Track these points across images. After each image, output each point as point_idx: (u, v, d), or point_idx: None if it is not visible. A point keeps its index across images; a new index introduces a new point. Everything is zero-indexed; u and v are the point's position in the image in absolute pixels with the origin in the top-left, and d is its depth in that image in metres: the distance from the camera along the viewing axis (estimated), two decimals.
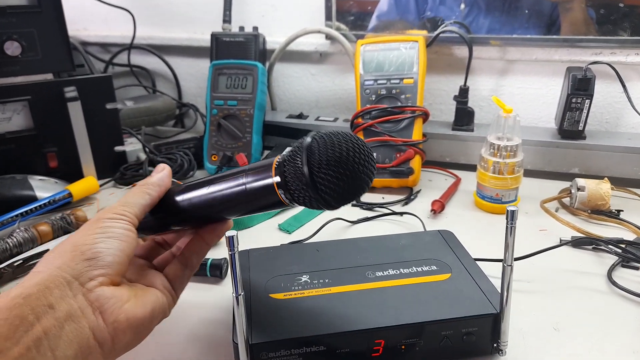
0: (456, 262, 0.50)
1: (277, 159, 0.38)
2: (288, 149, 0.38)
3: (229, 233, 0.36)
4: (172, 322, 0.50)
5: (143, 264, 0.43)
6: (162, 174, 0.43)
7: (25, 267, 0.58)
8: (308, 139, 0.37)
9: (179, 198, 0.42)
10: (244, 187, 0.39)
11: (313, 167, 0.36)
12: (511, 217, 0.39)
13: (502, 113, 0.68)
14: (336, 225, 0.68)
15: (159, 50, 1.07)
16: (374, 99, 0.80)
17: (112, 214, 0.38)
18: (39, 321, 0.30)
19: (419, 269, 0.49)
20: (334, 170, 0.36)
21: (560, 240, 0.62)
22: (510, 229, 0.39)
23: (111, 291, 0.34)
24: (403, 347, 0.43)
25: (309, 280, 0.48)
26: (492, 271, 0.50)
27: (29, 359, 0.29)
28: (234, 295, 0.37)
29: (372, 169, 0.37)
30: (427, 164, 0.84)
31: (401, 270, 0.49)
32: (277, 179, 0.37)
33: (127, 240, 0.37)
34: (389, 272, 0.49)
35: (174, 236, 0.47)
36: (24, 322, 0.29)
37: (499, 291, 0.45)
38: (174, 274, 0.42)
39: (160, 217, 0.44)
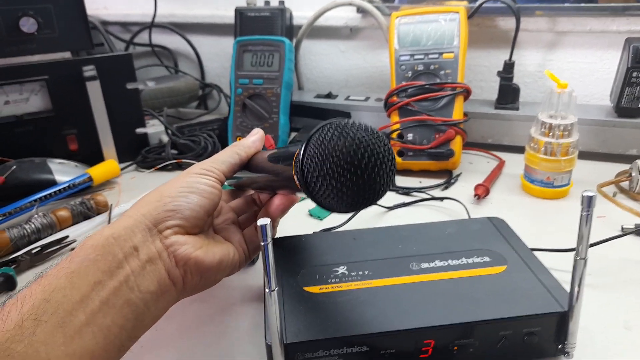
0: (511, 253, 0.45)
1: (301, 147, 0.34)
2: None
3: (261, 221, 0.31)
4: (197, 316, 0.46)
5: (231, 218, 0.46)
6: (254, 137, 0.46)
7: (43, 254, 0.55)
8: (314, 130, 0.33)
9: (258, 164, 0.44)
10: (279, 167, 0.39)
11: (306, 166, 0.33)
12: (588, 203, 0.33)
13: (555, 88, 0.62)
14: (371, 211, 0.63)
15: (181, 28, 1.03)
16: (410, 75, 0.74)
17: (200, 169, 0.41)
18: (127, 261, 0.34)
19: (470, 261, 0.44)
20: (331, 174, 0.31)
21: (622, 228, 0.56)
22: (586, 218, 0.34)
23: (185, 239, 0.37)
24: (455, 348, 0.38)
25: (347, 272, 0.43)
26: (548, 263, 0.44)
27: (121, 291, 0.33)
28: (266, 290, 0.33)
29: (386, 175, 0.32)
30: (467, 145, 0.78)
31: (449, 261, 0.44)
32: (295, 167, 0.35)
33: (209, 196, 0.39)
34: (435, 264, 0.44)
35: (266, 195, 0.48)
36: (115, 259, 0.34)
37: (562, 286, 0.40)
38: (250, 237, 0.44)
39: (246, 177, 0.46)
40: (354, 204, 0.33)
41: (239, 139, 0.78)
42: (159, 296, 0.36)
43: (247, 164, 0.45)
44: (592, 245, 0.51)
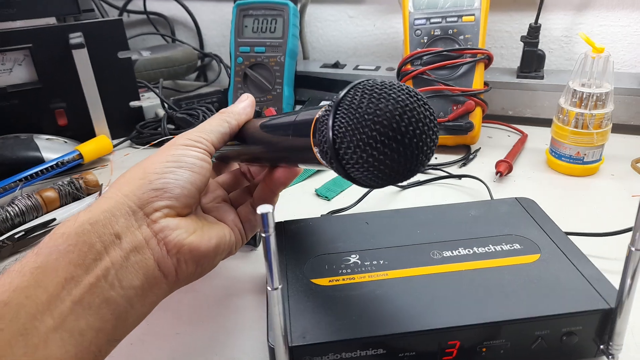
0: (544, 239, 0.40)
1: (319, 112, 0.30)
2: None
3: (262, 209, 0.26)
4: (194, 307, 0.42)
5: (221, 195, 0.41)
6: (244, 103, 0.41)
7: (28, 239, 0.51)
8: (342, 92, 0.27)
9: (253, 133, 0.39)
10: (288, 136, 0.34)
11: (338, 135, 0.27)
12: None
13: (590, 52, 0.55)
14: (382, 190, 0.58)
15: None
16: (425, 41, 0.67)
17: (187, 140, 0.36)
18: (106, 251, 0.29)
19: (498, 248, 0.39)
20: (364, 138, 0.26)
21: None
22: None
23: (176, 222, 0.33)
24: (484, 349, 0.34)
25: (360, 262, 0.38)
26: (583, 249, 0.39)
27: (99, 288, 0.28)
28: (269, 288, 0.28)
29: (431, 144, 0.27)
30: (486, 118, 0.72)
31: (475, 249, 0.39)
32: (314, 137, 0.30)
33: (200, 171, 0.35)
34: (459, 252, 0.39)
35: (258, 168, 0.44)
36: (92, 250, 0.29)
37: (607, 279, 0.35)
38: (245, 216, 0.40)
39: (236, 149, 0.41)
40: (394, 178, 0.28)
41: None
42: (145, 291, 0.31)
43: (237, 134, 0.40)
44: (626, 230, 0.46)
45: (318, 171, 0.63)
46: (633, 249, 0.30)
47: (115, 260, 0.29)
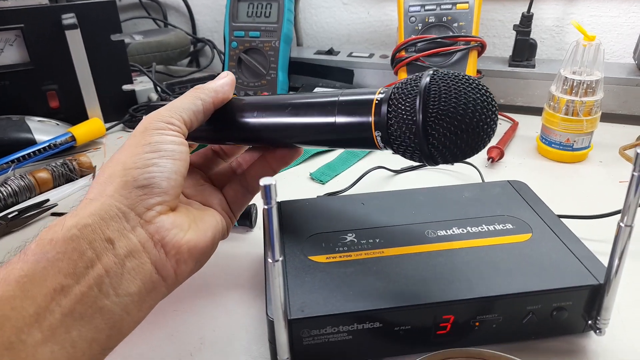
0: (536, 220, 0.41)
1: (377, 95, 0.33)
2: (392, 86, 0.32)
3: (264, 181, 0.26)
4: (191, 287, 0.42)
5: (199, 177, 0.39)
6: (222, 81, 0.37)
7: (21, 219, 0.51)
8: (426, 79, 0.30)
9: (245, 113, 0.37)
10: (332, 120, 0.34)
11: (429, 116, 0.30)
12: None
13: (581, 40, 0.56)
14: (377, 175, 0.59)
15: None
16: (420, 28, 0.68)
17: (159, 122, 0.33)
18: (99, 259, 0.27)
19: (491, 228, 0.40)
20: (454, 125, 0.29)
21: None
22: (637, 180, 0.29)
23: (171, 220, 0.31)
24: (477, 324, 0.35)
25: (356, 240, 0.39)
26: (573, 231, 0.40)
27: (91, 298, 0.26)
28: (270, 261, 0.28)
29: (495, 127, 0.31)
30: None
31: (469, 228, 0.40)
32: (376, 118, 0.32)
33: (180, 157, 0.32)
34: (454, 231, 0.40)
35: (233, 147, 0.43)
36: (83, 258, 0.27)
37: (596, 257, 0.36)
38: (234, 196, 0.38)
39: (218, 130, 0.39)
40: (467, 155, 0.32)
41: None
42: (143, 297, 0.29)
43: (215, 114, 0.37)
44: (614, 213, 0.47)
45: (312, 155, 0.63)
46: (622, 224, 0.31)
47: (109, 267, 0.27)
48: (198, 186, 0.37)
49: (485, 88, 0.31)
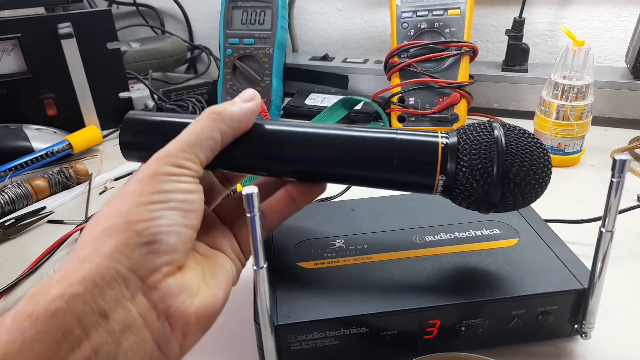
0: (523, 225, 0.41)
1: (440, 138, 0.32)
2: (455, 131, 0.33)
3: (247, 190, 0.27)
4: None
5: (209, 213, 0.34)
6: (247, 108, 0.31)
7: (17, 227, 0.51)
8: (500, 132, 0.32)
9: (276, 143, 0.33)
10: (391, 161, 0.32)
11: (507, 170, 0.31)
12: (620, 168, 0.29)
13: (571, 45, 0.57)
14: None
15: None
16: (412, 34, 0.68)
17: (171, 167, 0.27)
18: (87, 337, 0.22)
19: (479, 233, 0.40)
20: (527, 180, 0.31)
21: (639, 197, 0.52)
22: (617, 185, 0.30)
23: (178, 283, 0.26)
24: (463, 328, 0.35)
25: (344, 246, 0.39)
26: (562, 235, 0.40)
27: None
28: (254, 267, 0.29)
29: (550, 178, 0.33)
30: (471, 111, 0.73)
31: (456, 234, 0.40)
32: (443, 165, 0.32)
33: (194, 207, 0.27)
34: (441, 237, 0.40)
35: (236, 174, 0.37)
36: (68, 338, 0.22)
37: (581, 261, 0.37)
38: (248, 235, 0.31)
39: (234, 158, 0.33)
40: (525, 205, 0.34)
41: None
42: None
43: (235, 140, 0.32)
44: (599, 218, 0.47)
45: None
46: (603, 230, 0.31)
47: (100, 347, 0.22)
48: (205, 224, 0.30)
49: (542, 143, 0.33)
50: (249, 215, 0.27)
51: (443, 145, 0.32)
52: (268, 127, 0.33)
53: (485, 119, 0.33)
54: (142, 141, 0.34)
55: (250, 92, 0.32)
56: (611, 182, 0.30)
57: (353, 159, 0.33)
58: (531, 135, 0.32)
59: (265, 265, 0.29)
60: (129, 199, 0.26)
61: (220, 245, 0.31)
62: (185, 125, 0.31)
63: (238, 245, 0.33)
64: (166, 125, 0.34)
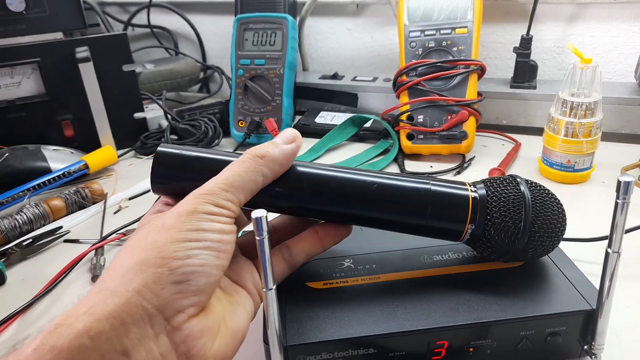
0: None
1: (470, 192, 0.35)
2: (483, 184, 0.36)
3: (256, 213, 0.28)
4: None
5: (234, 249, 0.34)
6: (290, 149, 0.31)
7: (35, 246, 0.53)
8: (526, 189, 0.35)
9: (311, 186, 0.33)
10: (425, 211, 0.35)
11: (535, 225, 0.34)
12: (625, 189, 0.29)
13: (578, 63, 0.57)
14: None
15: (181, 8, 0.99)
16: (420, 52, 0.69)
17: (211, 206, 0.27)
18: None
19: None
20: (549, 233, 0.35)
21: None
22: (622, 206, 0.30)
23: (201, 326, 0.26)
24: (471, 349, 0.35)
25: (353, 266, 0.40)
26: (571, 254, 0.40)
27: None
28: (264, 289, 0.29)
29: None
30: (481, 127, 0.74)
31: (464, 253, 0.40)
32: (473, 217, 0.35)
33: (226, 248, 0.28)
34: (449, 256, 0.40)
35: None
36: None
37: (590, 281, 0.37)
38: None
39: (269, 196, 0.33)
40: (537, 257, 0.38)
41: (242, 124, 0.75)
42: None
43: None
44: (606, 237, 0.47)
45: None
46: (610, 251, 0.31)
47: None
48: (232, 260, 0.30)
49: (557, 198, 0.36)
50: (258, 238, 0.28)
51: (473, 199, 0.35)
52: (303, 169, 0.34)
53: (508, 175, 0.37)
54: (175, 175, 0.33)
55: (291, 133, 0.32)
56: (616, 203, 0.30)
57: (389, 206, 0.35)
58: (547, 190, 0.36)
59: (274, 287, 0.30)
60: (165, 234, 0.26)
61: (242, 279, 0.32)
62: (220, 162, 0.32)
63: (260, 278, 0.33)
64: (201, 161, 0.33)
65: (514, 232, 0.34)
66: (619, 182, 0.29)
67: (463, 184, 0.36)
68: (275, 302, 0.30)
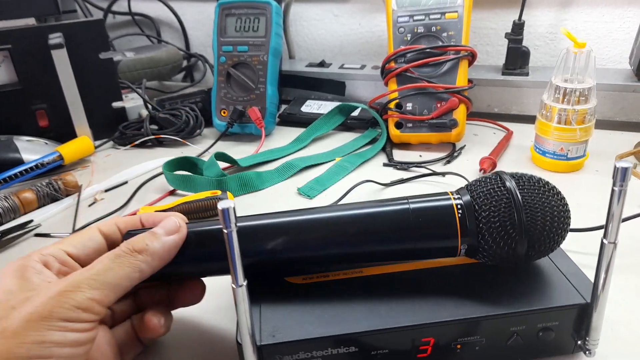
0: None
1: (453, 200, 0.33)
2: (467, 189, 0.34)
3: (223, 204, 0.25)
4: None
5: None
6: (171, 241, 0.29)
7: (3, 240, 0.50)
8: (516, 191, 0.32)
9: (263, 243, 0.34)
10: (409, 233, 0.33)
11: (533, 232, 0.32)
12: (622, 176, 0.27)
13: (572, 48, 0.55)
14: (365, 188, 0.58)
15: None
16: (409, 38, 0.67)
17: (69, 311, 0.24)
18: None
19: None
20: (551, 237, 0.32)
21: None
22: (618, 194, 0.28)
23: None
24: (459, 346, 0.33)
25: None
26: (564, 245, 0.38)
27: None
28: (234, 286, 0.27)
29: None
30: (472, 115, 0.72)
31: None
32: (463, 231, 0.33)
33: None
34: None
35: None
36: None
37: (584, 274, 0.35)
38: (128, 336, 0.30)
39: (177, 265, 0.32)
40: (541, 258, 0.35)
41: (224, 113, 0.72)
42: None
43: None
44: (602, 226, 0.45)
45: (300, 170, 0.62)
46: (606, 241, 0.29)
47: None
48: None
49: (558, 191, 0.33)
50: (225, 231, 0.26)
51: (458, 206, 0.33)
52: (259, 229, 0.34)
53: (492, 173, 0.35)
54: None
55: (174, 223, 0.30)
56: (612, 190, 0.28)
57: (370, 239, 0.33)
58: (542, 181, 0.33)
59: (245, 283, 0.27)
60: (4, 343, 0.22)
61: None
62: None
63: (117, 348, 0.30)
64: None
65: (511, 236, 0.32)
66: (615, 169, 0.27)
67: (445, 194, 0.34)
68: (247, 300, 0.28)
